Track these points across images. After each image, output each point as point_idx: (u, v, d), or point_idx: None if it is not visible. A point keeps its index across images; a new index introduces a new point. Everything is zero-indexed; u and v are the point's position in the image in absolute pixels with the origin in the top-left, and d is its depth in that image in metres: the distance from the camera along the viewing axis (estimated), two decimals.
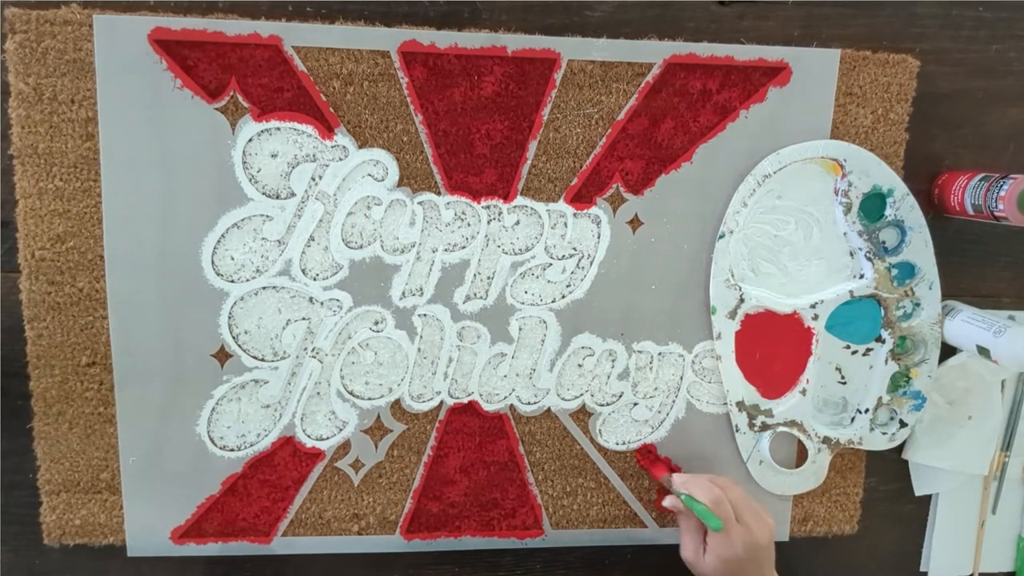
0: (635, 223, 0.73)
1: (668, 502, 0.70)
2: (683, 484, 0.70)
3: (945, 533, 0.82)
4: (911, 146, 0.74)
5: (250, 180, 0.68)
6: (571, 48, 0.69)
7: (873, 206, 0.73)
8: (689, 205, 0.73)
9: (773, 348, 0.75)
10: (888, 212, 0.73)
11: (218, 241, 0.68)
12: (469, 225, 0.71)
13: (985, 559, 0.83)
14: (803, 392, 0.76)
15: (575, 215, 0.72)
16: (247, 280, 0.69)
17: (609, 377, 0.75)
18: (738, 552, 0.66)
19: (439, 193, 0.70)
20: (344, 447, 0.73)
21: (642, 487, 0.77)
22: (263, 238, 0.69)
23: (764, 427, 0.76)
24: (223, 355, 0.70)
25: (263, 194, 0.68)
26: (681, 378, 0.76)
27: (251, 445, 0.72)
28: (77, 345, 0.69)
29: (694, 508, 0.67)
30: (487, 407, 0.74)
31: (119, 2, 0.65)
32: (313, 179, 0.69)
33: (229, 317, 0.70)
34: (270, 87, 0.67)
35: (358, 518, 0.75)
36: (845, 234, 0.74)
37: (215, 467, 0.72)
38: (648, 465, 0.76)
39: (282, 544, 0.74)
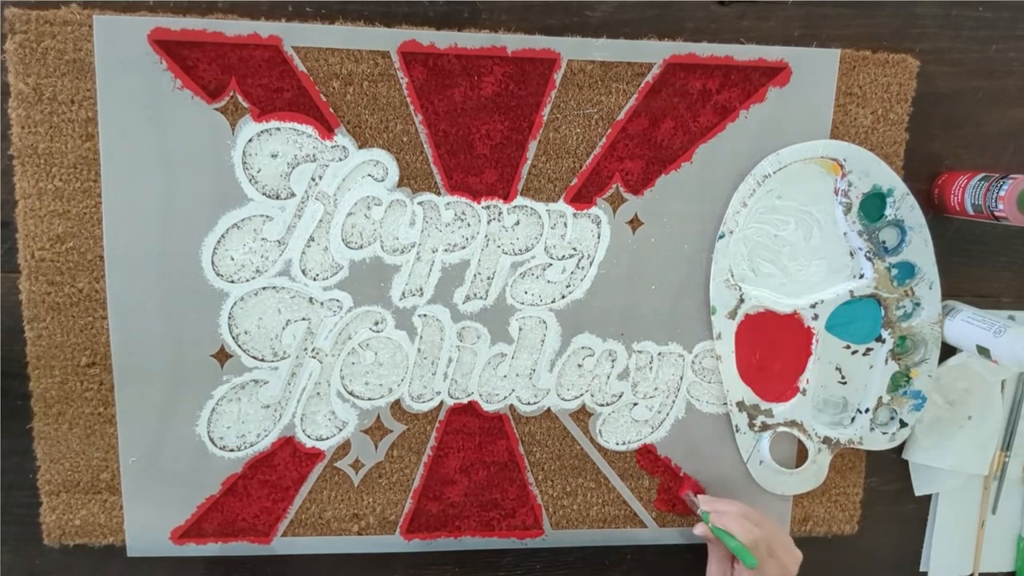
0: (635, 223, 0.73)
1: (699, 531, 0.69)
2: (717, 518, 0.69)
3: (945, 533, 0.82)
4: (911, 146, 0.74)
5: (250, 180, 0.68)
6: (571, 48, 0.69)
7: (873, 206, 0.73)
8: (689, 205, 0.73)
9: (773, 348, 0.75)
10: (888, 212, 0.73)
11: (218, 241, 0.68)
12: (469, 225, 0.71)
13: (985, 559, 0.83)
14: (803, 392, 0.76)
15: (575, 215, 0.72)
16: (247, 280, 0.69)
17: (609, 377, 0.75)
18: None
19: (439, 193, 0.70)
20: (344, 447, 0.73)
21: (642, 487, 0.77)
22: (263, 238, 0.69)
23: (764, 427, 0.76)
24: (223, 355, 0.70)
25: (263, 194, 0.68)
26: (681, 378, 0.76)
27: (251, 445, 0.72)
28: (77, 345, 0.69)
29: (727, 543, 0.67)
30: (487, 407, 0.74)
31: (119, 2, 0.65)
32: (313, 179, 0.69)
33: (229, 317, 0.70)
34: (270, 87, 0.67)
35: (358, 518, 0.75)
36: (845, 234, 0.74)
37: (215, 467, 0.72)
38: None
39: (282, 544, 0.74)
